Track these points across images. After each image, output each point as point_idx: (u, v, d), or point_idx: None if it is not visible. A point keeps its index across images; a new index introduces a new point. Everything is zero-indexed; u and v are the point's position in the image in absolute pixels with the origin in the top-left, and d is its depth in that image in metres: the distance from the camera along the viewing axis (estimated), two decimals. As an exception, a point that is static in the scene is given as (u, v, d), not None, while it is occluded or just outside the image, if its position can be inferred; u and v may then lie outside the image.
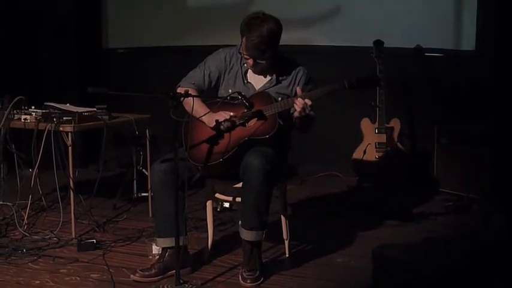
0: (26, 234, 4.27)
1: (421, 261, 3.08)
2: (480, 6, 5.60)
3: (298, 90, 3.65)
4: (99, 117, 4.38)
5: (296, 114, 3.60)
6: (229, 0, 6.38)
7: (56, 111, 4.28)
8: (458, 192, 5.22)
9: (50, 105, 4.37)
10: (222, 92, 3.80)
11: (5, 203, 4.61)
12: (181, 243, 3.48)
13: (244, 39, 3.64)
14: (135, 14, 6.78)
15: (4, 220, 4.51)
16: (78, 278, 3.66)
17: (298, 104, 3.56)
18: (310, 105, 3.56)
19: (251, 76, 3.79)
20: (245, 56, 3.68)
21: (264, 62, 3.67)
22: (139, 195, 5.18)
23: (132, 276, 3.63)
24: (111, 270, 3.73)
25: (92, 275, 3.69)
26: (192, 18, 6.56)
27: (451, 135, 5.43)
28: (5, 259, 3.86)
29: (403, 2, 5.87)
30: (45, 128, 4.13)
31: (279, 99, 3.68)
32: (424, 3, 5.79)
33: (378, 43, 5.45)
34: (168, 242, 3.62)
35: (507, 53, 5.36)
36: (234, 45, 3.84)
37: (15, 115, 4.31)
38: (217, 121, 3.62)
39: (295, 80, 3.77)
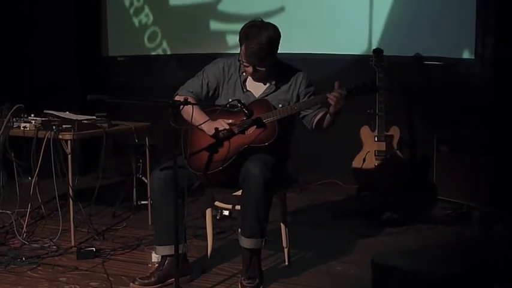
0: (25, 242, 4.27)
1: (421, 270, 3.07)
2: (479, 14, 5.61)
3: (337, 84, 3.56)
4: (99, 125, 4.38)
5: (332, 109, 3.57)
6: (229, 9, 6.40)
7: (56, 119, 4.28)
8: (458, 200, 5.22)
9: (50, 113, 4.37)
10: (221, 102, 3.77)
11: (4, 211, 4.61)
12: (180, 251, 3.46)
13: (243, 47, 3.63)
14: (134, 22, 6.79)
15: (3, 228, 4.51)
16: (77, 286, 3.65)
17: (333, 97, 3.52)
18: (345, 95, 3.54)
19: (250, 84, 3.79)
20: (244, 64, 3.67)
21: (263, 69, 3.67)
22: (139, 203, 5.18)
23: (131, 284, 3.63)
24: (110, 278, 3.72)
25: (92, 283, 3.69)
26: (191, 26, 6.57)
27: (451, 143, 5.43)
28: (4, 267, 3.85)
29: (403, 11, 5.88)
30: (45, 136, 4.13)
31: (279, 106, 3.68)
32: (423, 12, 5.80)
33: (378, 51, 5.45)
34: (168, 250, 3.62)
35: (506, 61, 5.37)
36: (232, 54, 3.84)
37: (15, 123, 4.32)
38: (216, 129, 3.61)
39: (295, 84, 3.76)
